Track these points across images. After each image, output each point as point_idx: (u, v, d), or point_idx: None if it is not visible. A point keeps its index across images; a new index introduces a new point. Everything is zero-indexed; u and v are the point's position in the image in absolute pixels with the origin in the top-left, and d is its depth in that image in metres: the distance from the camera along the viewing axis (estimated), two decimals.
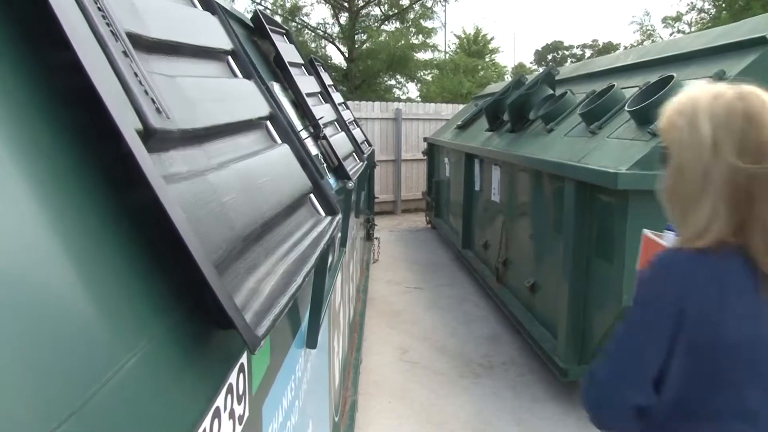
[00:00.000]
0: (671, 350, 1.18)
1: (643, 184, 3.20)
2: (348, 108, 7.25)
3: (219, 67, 1.58)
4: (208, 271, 0.77)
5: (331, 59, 18.75)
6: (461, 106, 11.75)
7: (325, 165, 2.78)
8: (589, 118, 4.24)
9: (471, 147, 7.01)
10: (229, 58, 1.65)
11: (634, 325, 1.23)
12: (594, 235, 3.74)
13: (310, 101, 3.22)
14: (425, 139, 10.63)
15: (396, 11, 18.27)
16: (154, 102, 1.03)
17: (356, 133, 5.96)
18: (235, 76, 1.64)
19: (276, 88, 2.77)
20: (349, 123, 5.56)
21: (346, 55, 18.15)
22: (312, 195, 1.68)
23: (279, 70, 3.04)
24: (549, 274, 4.48)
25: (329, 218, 1.67)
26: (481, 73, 22.40)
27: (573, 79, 6.03)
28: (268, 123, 1.66)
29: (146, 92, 1.02)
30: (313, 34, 18.54)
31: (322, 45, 18.90)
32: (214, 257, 0.91)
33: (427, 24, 18.73)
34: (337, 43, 18.43)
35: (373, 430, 3.72)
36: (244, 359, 0.98)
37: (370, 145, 7.40)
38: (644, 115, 3.51)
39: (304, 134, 2.74)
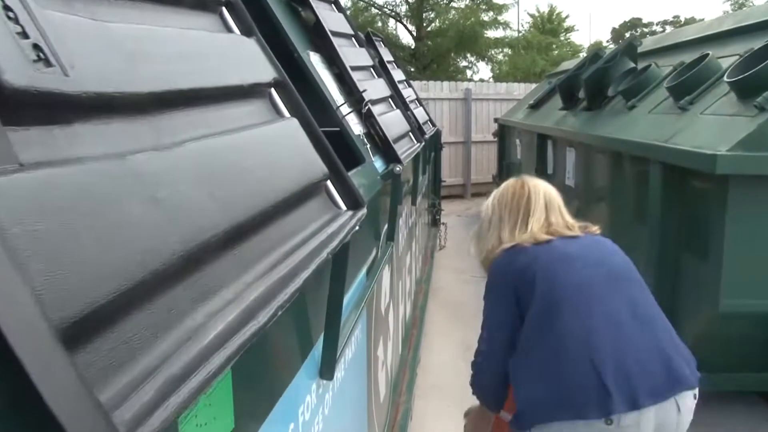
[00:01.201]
0: (516, 313, 1.80)
1: (748, 168, 2.71)
2: (410, 86, 6.87)
3: (205, 19, 1.23)
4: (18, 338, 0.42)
5: (399, 39, 18.31)
6: (534, 86, 11.15)
7: (368, 146, 2.42)
8: (679, 91, 3.72)
9: (543, 127, 6.52)
10: (224, 10, 1.29)
11: (490, 306, 1.91)
12: (684, 227, 3.24)
13: (357, 75, 2.86)
14: (496, 120, 10.15)
15: None
16: (38, 48, 0.69)
17: (418, 112, 5.57)
18: (229, 31, 1.29)
19: (313, 57, 2.42)
20: (410, 102, 5.18)
21: (414, 34, 17.65)
22: (329, 183, 1.32)
23: (320, 39, 2.68)
24: None
25: (349, 213, 1.30)
26: (556, 52, 21.53)
27: (657, 51, 5.45)
28: (273, 92, 1.30)
29: (24, 34, 0.68)
30: (379, 12, 18.11)
31: (390, 24, 18.46)
32: (99, 292, 0.56)
33: (498, 0, 18.01)
34: (404, 22, 17.95)
35: None
36: None
37: (434, 125, 6.99)
38: (748, 86, 2.99)
39: (345, 110, 2.38)
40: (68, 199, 0.61)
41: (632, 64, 5.15)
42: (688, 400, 1.71)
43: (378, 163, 2.51)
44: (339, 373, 1.56)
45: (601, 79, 5.23)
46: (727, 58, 3.77)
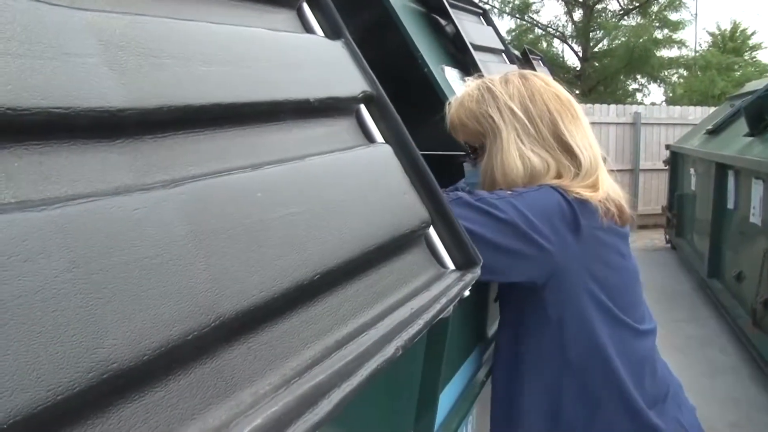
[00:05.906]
0: None
1: None
2: None
3: (274, 17, 0.95)
4: None
5: (564, 60, 17.56)
6: (712, 109, 10.13)
7: None
8: None
9: (723, 156, 5.77)
10: (304, 5, 1.01)
11: None
12: None
13: None
14: (668, 147, 9.31)
15: (637, 4, 16.51)
16: None
17: None
18: (309, 31, 1.00)
19: (449, 73, 2.11)
20: None
21: (580, 55, 16.85)
22: (432, 232, 0.98)
23: (460, 53, 2.37)
24: None
25: (457, 275, 0.95)
26: (738, 72, 19.70)
27: None
28: (362, 109, 0.99)
29: None
30: (543, 32, 17.48)
31: (554, 45, 17.76)
32: None
33: (674, 16, 16.73)
34: (569, 42, 17.18)
35: None
36: None
37: None
38: None
39: None
40: None
41: None
42: None
43: None
44: None
45: None
46: None
